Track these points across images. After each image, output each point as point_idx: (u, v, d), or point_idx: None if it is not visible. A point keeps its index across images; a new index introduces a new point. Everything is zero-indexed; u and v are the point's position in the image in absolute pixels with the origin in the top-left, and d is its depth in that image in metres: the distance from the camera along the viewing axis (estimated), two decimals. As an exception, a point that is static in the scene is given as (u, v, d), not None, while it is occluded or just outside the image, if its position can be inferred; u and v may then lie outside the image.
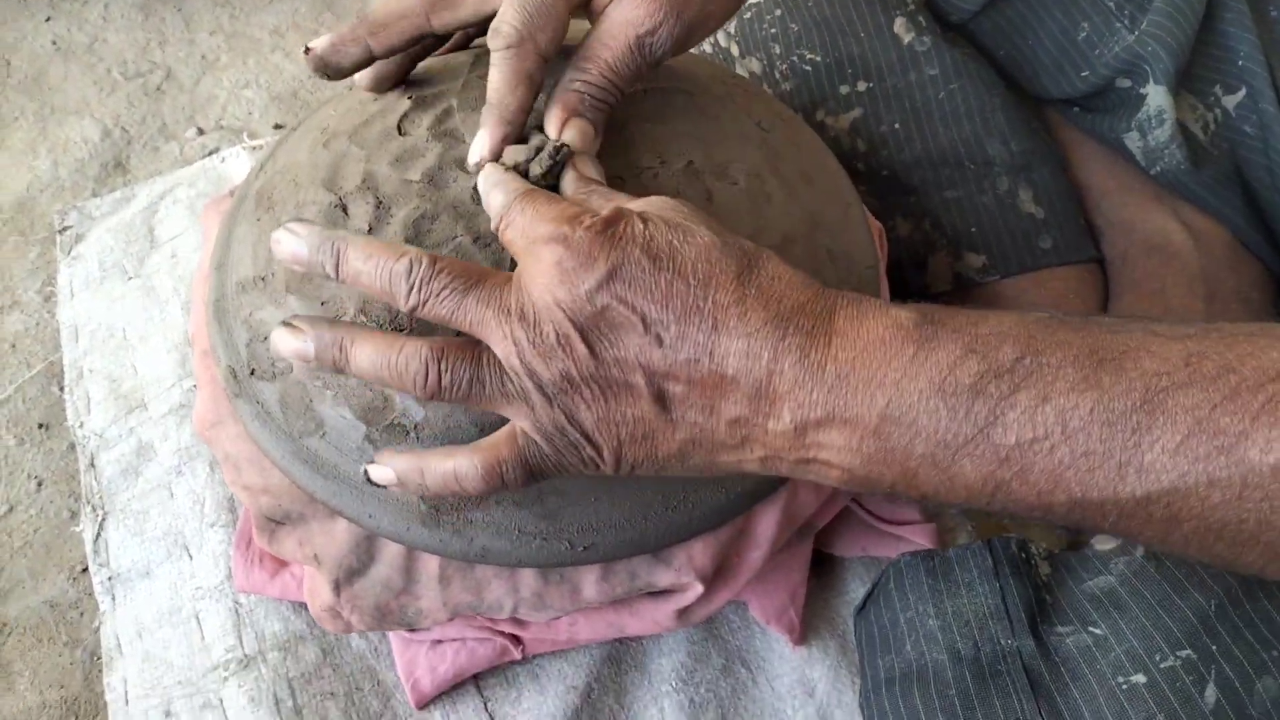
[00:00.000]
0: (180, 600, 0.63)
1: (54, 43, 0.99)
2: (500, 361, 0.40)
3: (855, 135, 0.74)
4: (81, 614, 0.65)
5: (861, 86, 0.74)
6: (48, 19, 1.01)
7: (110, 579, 0.64)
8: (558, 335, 0.39)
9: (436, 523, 0.47)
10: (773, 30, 0.76)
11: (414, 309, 0.41)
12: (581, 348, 0.39)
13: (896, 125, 0.73)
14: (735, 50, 0.79)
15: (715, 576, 0.52)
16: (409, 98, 0.56)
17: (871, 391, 0.37)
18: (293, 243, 0.43)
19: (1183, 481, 0.34)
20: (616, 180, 0.51)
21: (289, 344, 0.43)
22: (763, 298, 0.39)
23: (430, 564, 0.50)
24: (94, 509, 0.67)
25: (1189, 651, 0.41)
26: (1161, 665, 0.41)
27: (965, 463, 0.36)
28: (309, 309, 0.49)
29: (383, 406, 0.47)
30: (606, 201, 0.43)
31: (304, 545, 0.52)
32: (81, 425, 0.71)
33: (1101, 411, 0.34)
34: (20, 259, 0.82)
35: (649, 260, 0.39)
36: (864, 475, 0.38)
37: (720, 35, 0.79)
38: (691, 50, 0.72)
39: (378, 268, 0.41)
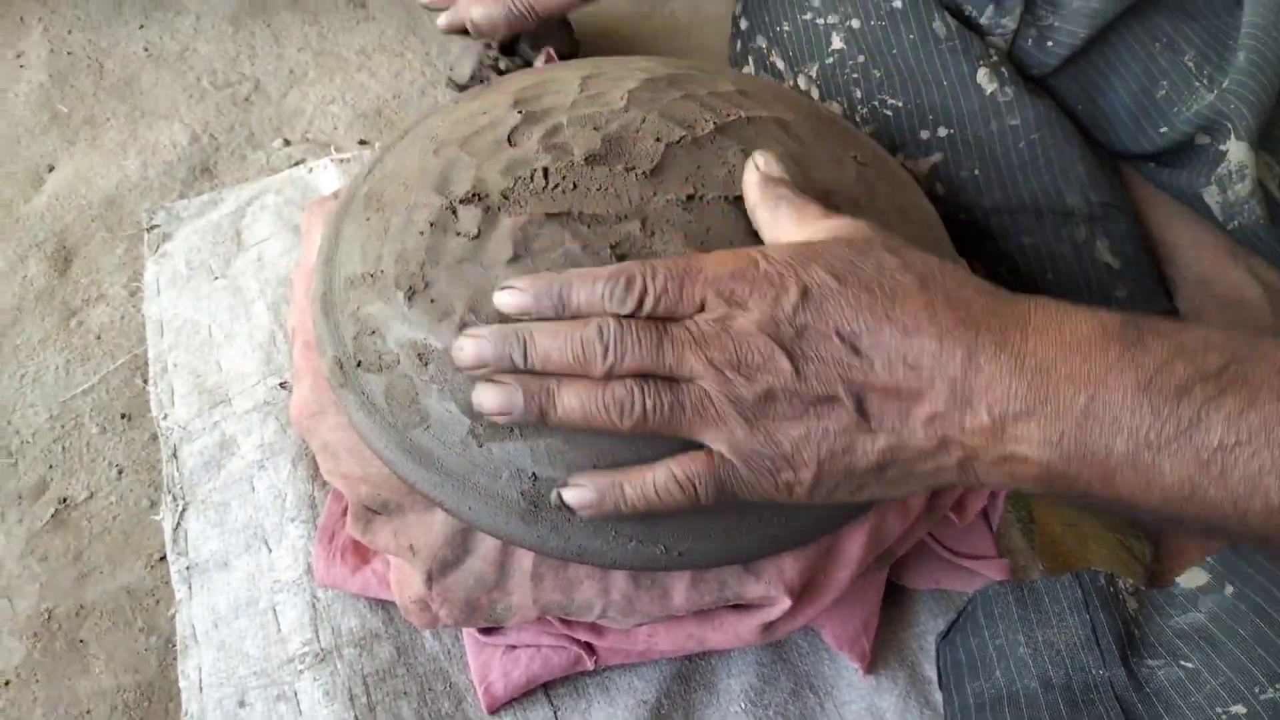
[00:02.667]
0: (258, 592, 0.64)
1: (146, 49, 1.02)
2: (700, 387, 0.42)
3: (935, 179, 0.76)
4: (158, 601, 0.66)
5: (942, 132, 0.75)
6: (141, 26, 1.04)
7: (188, 568, 0.65)
8: (762, 355, 0.41)
9: (535, 519, 0.48)
10: (854, 75, 0.78)
11: (612, 368, 0.43)
12: (786, 364, 0.41)
13: (976, 171, 0.75)
14: (816, 94, 0.81)
15: (801, 593, 0.52)
16: (519, 112, 0.58)
17: (1075, 387, 0.38)
18: (474, 346, 0.45)
19: None
20: (718, 201, 0.53)
21: (492, 399, 0.45)
22: (950, 301, 0.41)
23: (524, 560, 0.51)
24: (175, 499, 0.68)
25: (1287, 686, 0.41)
26: (1261, 697, 0.41)
27: (1165, 464, 0.37)
28: (420, 307, 0.51)
29: None
30: (795, 210, 0.46)
31: (399, 536, 0.53)
32: (165, 417, 0.73)
33: None
34: (108, 254, 0.84)
35: (835, 279, 0.41)
36: (1061, 472, 0.39)
37: (801, 79, 0.81)
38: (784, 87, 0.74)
39: (567, 342, 0.43)
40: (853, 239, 0.44)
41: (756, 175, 0.50)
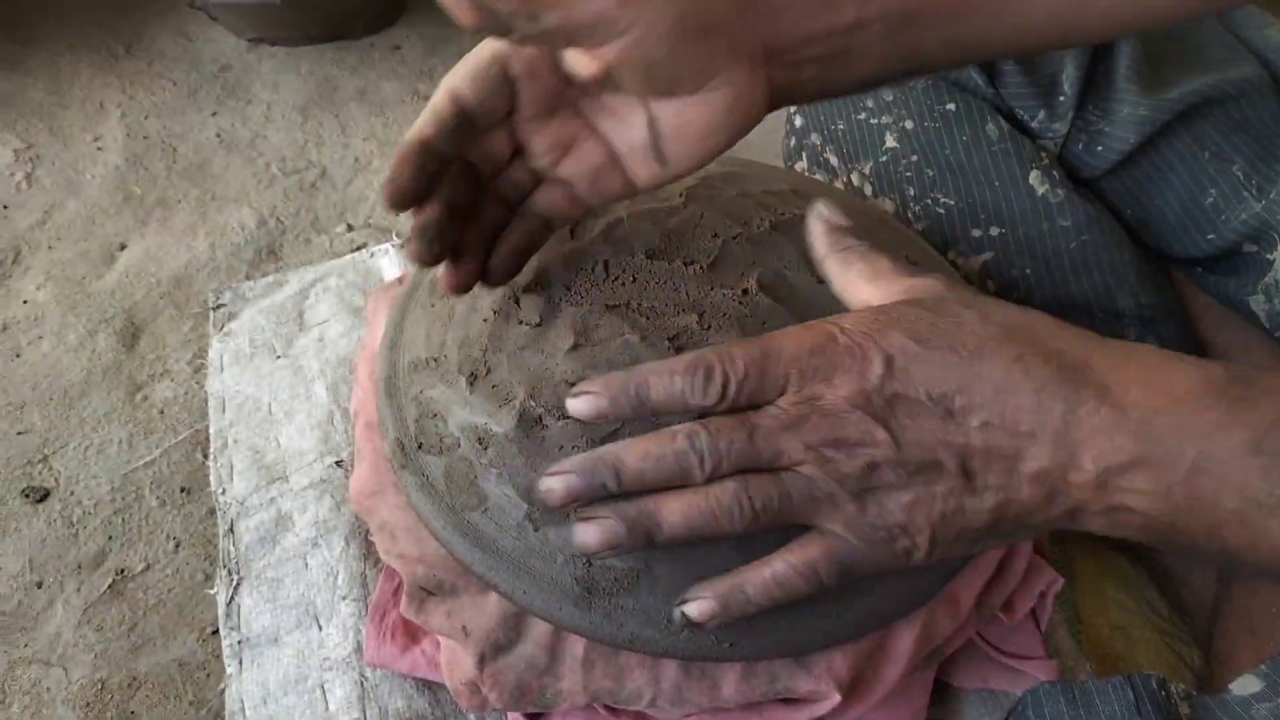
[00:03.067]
0: (307, 669, 0.64)
1: (218, 135, 1.06)
2: (804, 473, 0.42)
3: (986, 277, 0.77)
4: (208, 675, 0.67)
5: (994, 231, 0.77)
6: (214, 113, 1.09)
7: (239, 643, 0.66)
8: (858, 431, 0.41)
9: (589, 605, 0.49)
10: (908, 174, 0.80)
11: (712, 474, 0.42)
12: (883, 435, 0.41)
13: (1027, 270, 0.76)
14: (869, 190, 0.83)
15: (851, 689, 0.52)
16: None
17: (1181, 440, 0.37)
18: (563, 484, 0.44)
19: None
20: (775, 291, 0.54)
21: (596, 537, 0.44)
22: (1043, 353, 0.40)
23: (576, 646, 0.52)
24: (230, 573, 0.69)
25: (1348, 799, 0.41)
26: (1323, 811, 0.41)
27: (1273, 523, 0.36)
28: (482, 392, 0.52)
29: None
30: (867, 265, 0.46)
31: (453, 617, 0.54)
32: (223, 492, 0.74)
33: None
34: (174, 332, 0.87)
35: (916, 344, 0.41)
36: (1169, 524, 0.39)
37: (855, 176, 0.83)
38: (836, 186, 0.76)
39: (659, 460, 0.42)
40: (926, 298, 0.44)
41: (822, 226, 0.50)
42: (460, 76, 0.47)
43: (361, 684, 0.63)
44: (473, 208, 0.51)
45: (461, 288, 0.51)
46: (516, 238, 0.52)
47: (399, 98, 1.10)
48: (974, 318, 0.42)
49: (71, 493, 0.76)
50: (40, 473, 0.77)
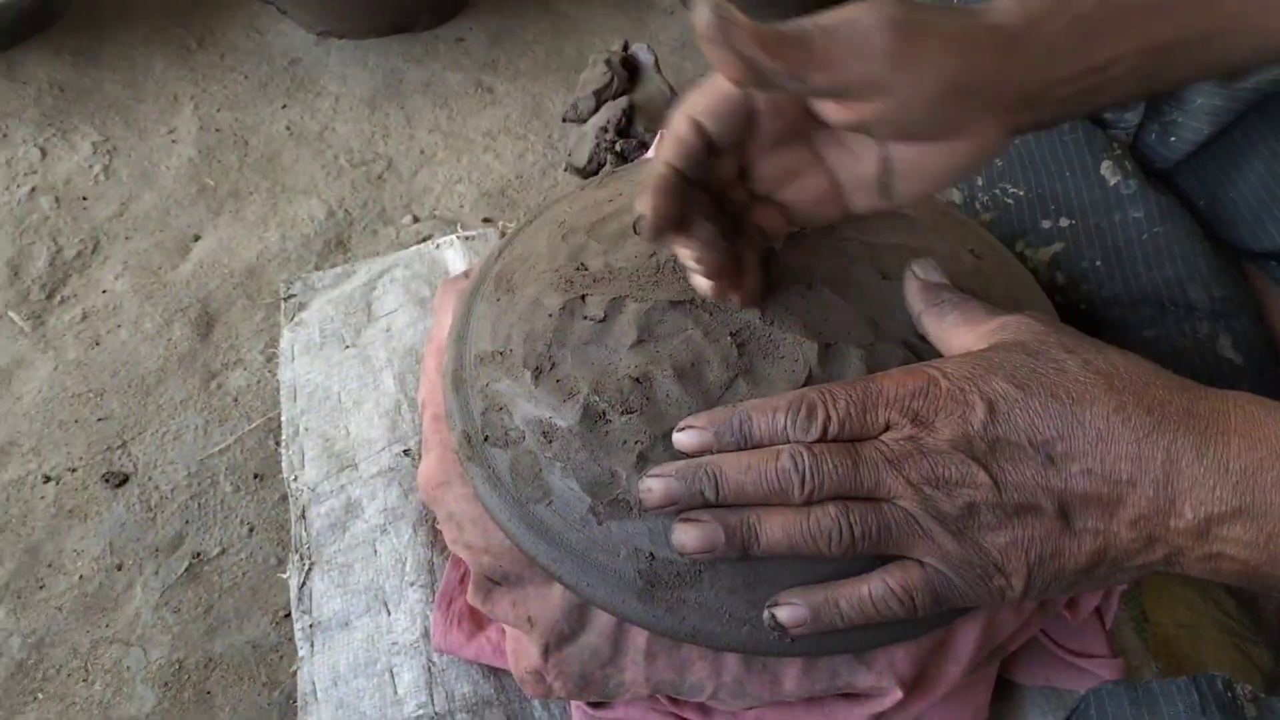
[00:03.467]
0: (376, 653, 0.66)
1: (288, 128, 1.08)
2: (902, 506, 0.42)
3: (1055, 268, 0.76)
4: (281, 657, 0.69)
5: (1064, 222, 0.76)
6: (284, 106, 1.11)
7: (311, 626, 0.68)
8: (960, 472, 0.41)
9: (651, 598, 0.49)
10: (975, 164, 0.79)
11: (811, 495, 0.43)
12: (984, 477, 0.41)
13: (1098, 262, 0.75)
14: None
15: (913, 686, 0.52)
16: None
17: None
18: (663, 486, 0.45)
19: None
20: (838, 285, 0.54)
21: (694, 539, 0.45)
22: (1144, 403, 0.41)
23: (639, 638, 0.52)
24: (302, 558, 0.71)
25: None
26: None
27: None
28: (546, 386, 0.53)
29: (609, 482, 0.50)
30: (962, 314, 0.47)
31: (518, 607, 0.55)
32: (295, 479, 0.76)
33: None
34: (247, 321, 0.89)
35: (1018, 390, 0.42)
36: (1267, 573, 0.40)
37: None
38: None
39: (761, 475, 0.43)
40: (1027, 343, 0.44)
41: (917, 283, 0.51)
42: (704, 108, 0.47)
43: (429, 669, 0.64)
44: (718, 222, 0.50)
45: (754, 299, 0.52)
46: (750, 255, 0.52)
47: (463, 89, 1.11)
48: (1075, 364, 0.43)
49: (149, 478, 0.78)
50: (119, 458, 0.79)
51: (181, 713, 0.66)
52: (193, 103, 1.10)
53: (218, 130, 1.07)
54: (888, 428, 0.43)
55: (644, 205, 0.45)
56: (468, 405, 0.57)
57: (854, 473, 0.42)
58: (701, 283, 0.50)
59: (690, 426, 0.46)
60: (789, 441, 0.44)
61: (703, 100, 0.47)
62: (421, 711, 0.62)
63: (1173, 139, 0.75)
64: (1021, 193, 0.77)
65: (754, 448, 0.44)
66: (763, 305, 0.53)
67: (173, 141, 1.06)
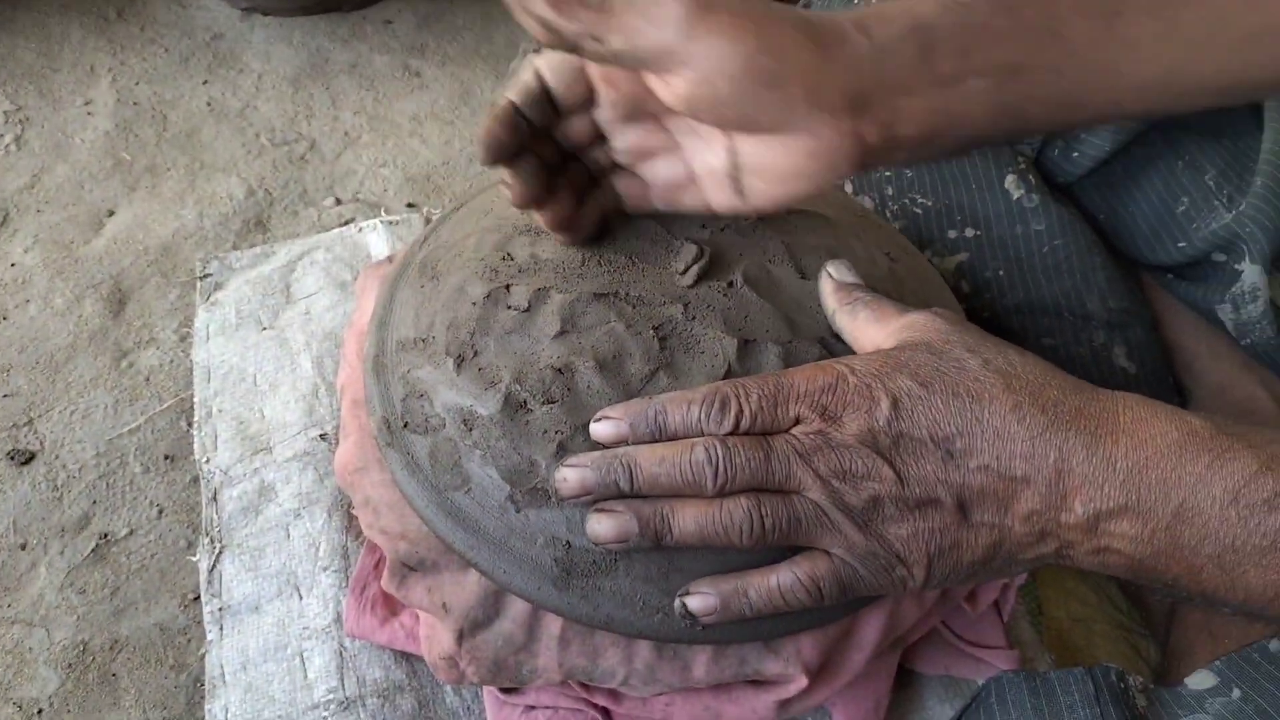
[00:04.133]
0: (287, 638, 0.66)
1: (209, 104, 1.07)
2: (810, 498, 0.44)
3: (960, 277, 0.79)
4: (189, 640, 0.69)
5: (969, 233, 0.78)
6: (205, 81, 1.09)
7: (220, 610, 0.68)
8: (865, 466, 0.43)
9: (567, 586, 0.50)
10: (887, 174, 0.81)
11: (723, 487, 0.44)
12: (888, 471, 0.43)
13: (1000, 272, 0.77)
14: (849, 189, 0.84)
15: (818, 673, 0.54)
16: None
17: (1166, 490, 0.40)
18: (578, 476, 0.46)
19: None
20: (759, 284, 0.55)
21: (608, 529, 0.46)
22: (1039, 403, 0.43)
23: (553, 625, 0.53)
24: (212, 541, 0.71)
25: (1290, 788, 0.43)
26: (1267, 797, 0.43)
27: (1250, 570, 0.39)
28: (468, 374, 0.54)
29: (528, 471, 0.51)
30: (872, 312, 0.49)
31: (433, 593, 0.55)
32: (207, 461, 0.75)
33: None
34: (161, 299, 0.88)
35: (922, 387, 0.44)
36: (1151, 567, 0.42)
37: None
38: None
39: (675, 467, 0.44)
40: (932, 341, 0.46)
41: (831, 283, 0.53)
42: (546, 59, 0.50)
43: (340, 654, 0.64)
44: (560, 168, 0.54)
45: (560, 225, 0.54)
46: (598, 202, 0.55)
47: (390, 72, 1.10)
48: (976, 363, 0.44)
49: (56, 457, 0.76)
50: (25, 436, 0.77)
51: (85, 694, 0.65)
52: (110, 74, 1.07)
53: (136, 104, 1.05)
54: (798, 421, 0.45)
55: (480, 131, 0.49)
56: (388, 391, 0.57)
57: (765, 465, 0.44)
58: (514, 193, 0.52)
59: (606, 417, 0.47)
60: (703, 434, 0.45)
61: (548, 55, 0.50)
62: (331, 696, 0.62)
63: (1075, 154, 0.78)
64: (929, 203, 0.79)
65: (669, 440, 0.46)
66: (578, 243, 0.56)
67: (88, 114, 1.04)
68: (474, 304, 0.56)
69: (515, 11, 0.45)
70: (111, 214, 0.95)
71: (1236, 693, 0.48)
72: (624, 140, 0.53)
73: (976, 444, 0.43)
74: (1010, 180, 0.78)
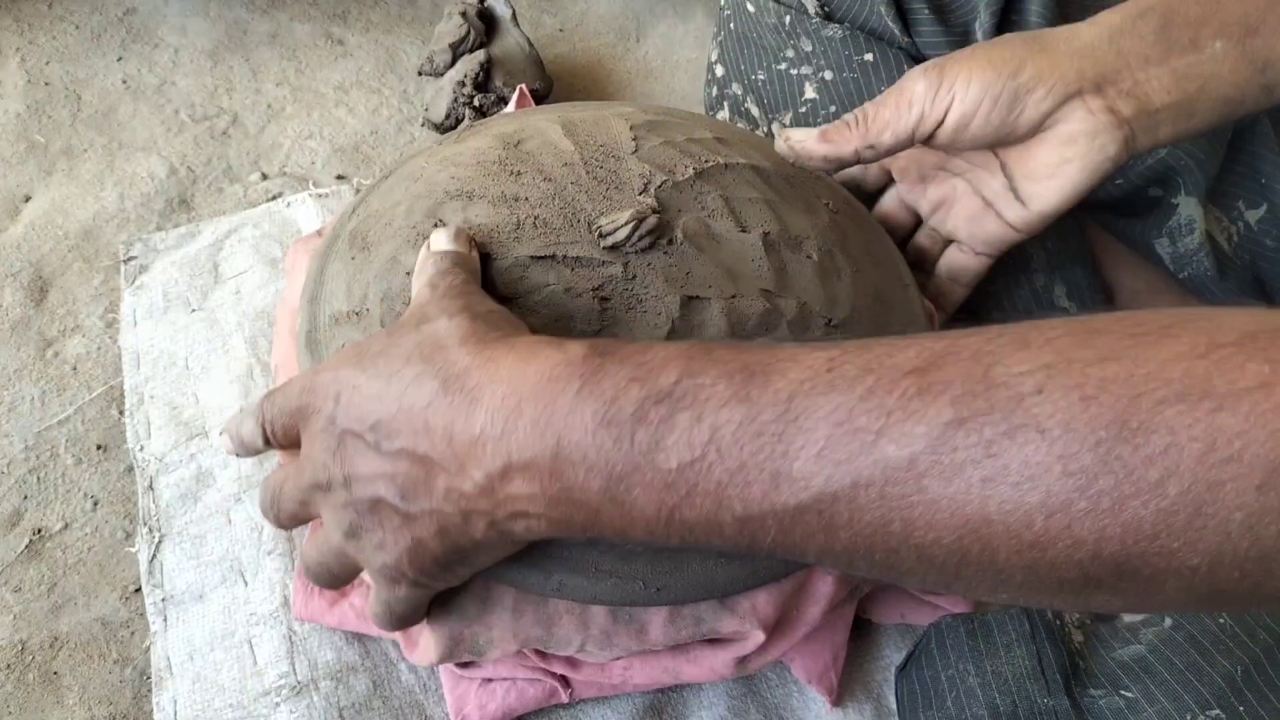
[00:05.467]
0: (234, 625, 0.64)
1: (124, 81, 1.03)
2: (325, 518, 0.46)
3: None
4: (132, 633, 0.67)
5: (910, 178, 0.78)
6: (119, 58, 1.05)
7: (164, 600, 0.66)
8: (325, 474, 0.43)
9: (517, 555, 0.50)
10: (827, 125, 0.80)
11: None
12: (338, 473, 0.42)
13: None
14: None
15: (774, 628, 0.54)
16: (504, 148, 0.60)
17: (541, 432, 0.37)
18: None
19: (829, 485, 0.33)
20: (699, 239, 0.54)
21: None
22: (433, 368, 0.40)
23: (505, 595, 0.52)
24: (151, 531, 0.69)
25: (1218, 711, 0.44)
26: (1190, 722, 0.44)
27: (638, 493, 0.36)
28: None
29: None
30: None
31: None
32: (141, 449, 0.73)
33: (749, 424, 0.34)
34: (84, 285, 0.85)
35: (361, 373, 0.42)
36: (557, 518, 0.38)
37: (775, 127, 0.84)
38: (757, 132, 0.77)
39: (243, 440, 0.49)
40: (413, 318, 0.45)
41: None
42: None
43: (290, 638, 0.63)
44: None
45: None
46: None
47: (312, 41, 1.07)
48: (409, 337, 0.42)
49: (-18, 453, 0.74)
50: (-52, 433, 0.75)
51: (26, 695, 0.63)
52: (18, 55, 1.03)
53: (47, 84, 1.01)
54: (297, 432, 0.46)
55: None
56: None
57: (276, 504, 0.48)
58: None
59: (225, 431, 0.51)
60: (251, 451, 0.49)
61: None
62: (283, 681, 0.61)
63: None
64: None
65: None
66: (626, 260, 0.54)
67: (-4, 95, 1.00)
68: (408, 274, 0.54)
69: (797, 161, 0.60)
70: (28, 199, 0.91)
71: (1168, 621, 0.49)
72: (927, 201, 0.65)
73: (394, 425, 0.40)
74: (946, 125, 0.77)
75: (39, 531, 0.70)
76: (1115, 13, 0.54)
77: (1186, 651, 0.47)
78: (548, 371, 0.37)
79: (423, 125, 0.99)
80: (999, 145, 0.58)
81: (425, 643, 0.54)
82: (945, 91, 0.54)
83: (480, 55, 0.96)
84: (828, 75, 0.79)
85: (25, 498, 0.72)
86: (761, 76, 0.83)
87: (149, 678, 0.63)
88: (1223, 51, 0.52)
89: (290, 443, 0.46)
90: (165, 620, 0.65)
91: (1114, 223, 0.79)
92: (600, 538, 0.39)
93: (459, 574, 0.45)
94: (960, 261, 0.66)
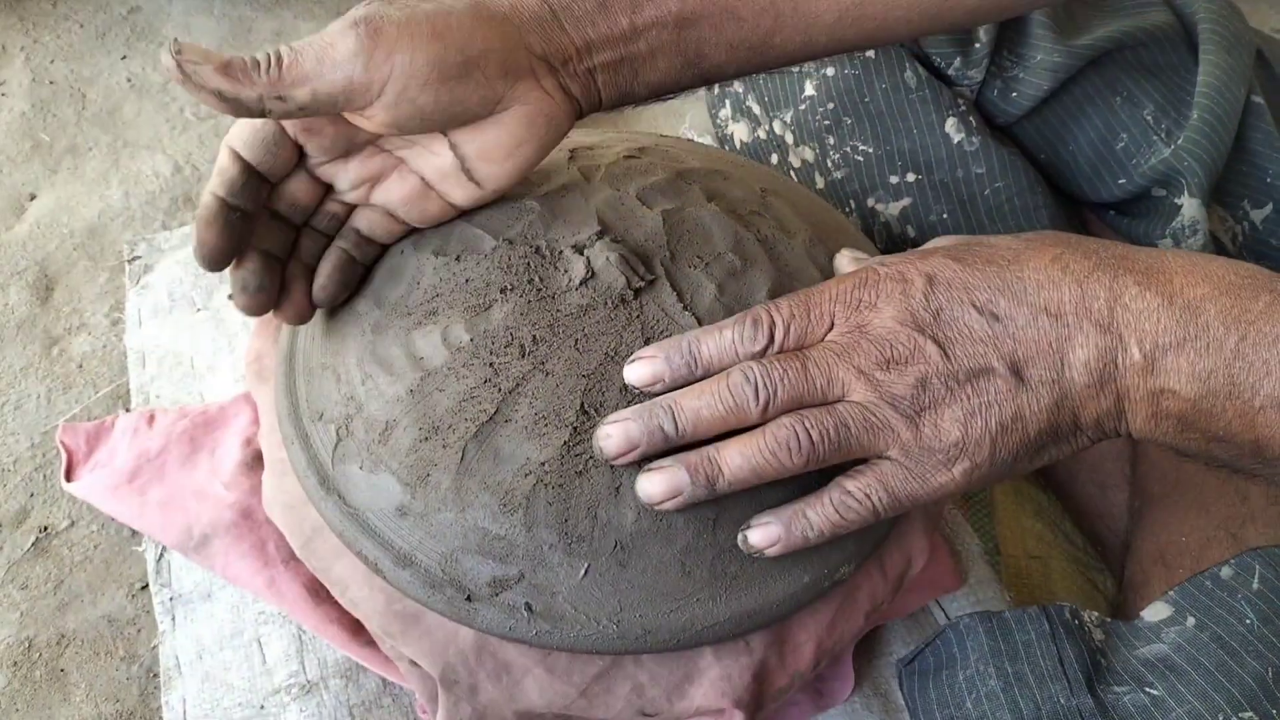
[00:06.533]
0: (242, 624, 0.64)
1: (129, 80, 1.03)
2: (857, 400, 0.42)
3: (905, 222, 0.79)
4: (139, 630, 0.67)
5: (911, 178, 0.78)
6: (124, 57, 1.05)
7: (171, 599, 0.66)
8: (907, 347, 0.42)
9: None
10: (826, 122, 0.81)
11: (767, 406, 0.42)
12: (932, 348, 0.42)
13: (945, 215, 0.77)
14: (790, 139, 0.84)
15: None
16: None
17: (1226, 327, 0.39)
18: (620, 430, 0.44)
19: None
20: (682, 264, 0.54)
21: (659, 485, 0.44)
22: (1082, 250, 0.42)
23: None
24: (158, 529, 0.69)
25: (1250, 714, 0.44)
26: (1226, 723, 0.44)
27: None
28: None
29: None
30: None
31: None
32: (148, 447, 0.73)
33: None
34: (90, 283, 0.85)
35: (955, 262, 0.43)
36: (1207, 409, 0.40)
37: (777, 125, 0.84)
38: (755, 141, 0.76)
39: (715, 396, 0.43)
40: (958, 241, 0.46)
41: (849, 254, 0.53)
42: (237, 137, 0.47)
43: (299, 636, 0.63)
44: (291, 248, 0.51)
45: (298, 320, 0.52)
46: (336, 257, 0.52)
47: (316, 40, 1.08)
48: (1007, 239, 0.44)
49: (-11, 450, 0.74)
50: (-45, 431, 0.75)
51: (33, 692, 0.64)
52: (23, 53, 1.03)
53: (52, 83, 1.01)
54: (832, 325, 0.44)
55: (193, 242, 0.47)
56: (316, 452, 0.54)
57: (804, 373, 0.42)
58: (240, 303, 0.50)
59: (640, 358, 0.46)
60: (739, 358, 0.44)
61: (238, 129, 0.48)
62: (293, 680, 0.61)
63: (1015, 95, 0.78)
64: (871, 150, 0.79)
65: (704, 373, 0.45)
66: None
67: (2, 95, 1.00)
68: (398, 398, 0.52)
69: (190, 90, 0.42)
70: (33, 198, 0.92)
71: (1191, 621, 0.49)
72: (347, 178, 0.50)
73: (1021, 299, 0.41)
74: (951, 124, 0.78)
75: (45, 529, 0.70)
76: None
77: (1214, 652, 0.47)
78: (1232, 278, 0.40)
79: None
80: (448, 126, 0.48)
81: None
82: (383, 59, 0.43)
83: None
84: (829, 71, 0.79)
85: (31, 495, 0.72)
86: (762, 75, 0.83)
87: (156, 675, 0.64)
88: (661, 42, 0.50)
89: (796, 339, 0.44)
90: (173, 619, 0.65)
91: (1118, 222, 0.79)
92: (1228, 440, 0.41)
93: (1024, 459, 0.44)
94: (378, 225, 0.53)
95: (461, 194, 0.51)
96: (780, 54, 0.54)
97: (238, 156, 0.47)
